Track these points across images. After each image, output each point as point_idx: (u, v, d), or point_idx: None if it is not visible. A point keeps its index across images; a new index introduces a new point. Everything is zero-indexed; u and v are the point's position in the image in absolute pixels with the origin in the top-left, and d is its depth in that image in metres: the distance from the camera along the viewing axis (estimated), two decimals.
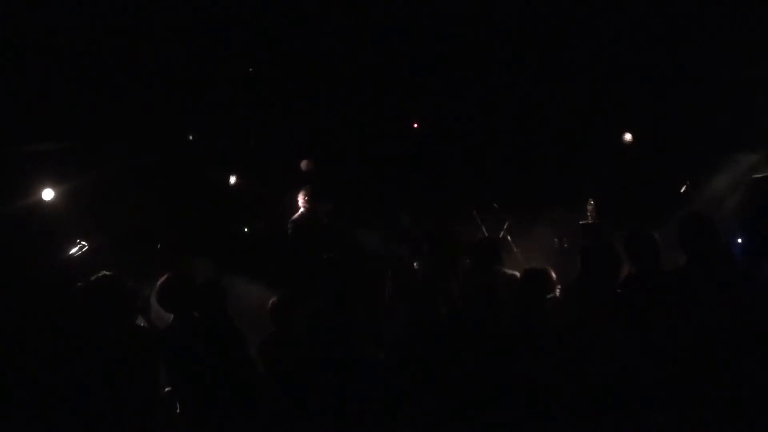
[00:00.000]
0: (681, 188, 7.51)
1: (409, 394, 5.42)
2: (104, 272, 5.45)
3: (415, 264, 8.81)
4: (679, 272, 5.34)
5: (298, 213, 8.93)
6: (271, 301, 5.89)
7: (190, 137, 9.58)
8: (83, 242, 7.33)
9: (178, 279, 5.58)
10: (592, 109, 9.63)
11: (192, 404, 5.35)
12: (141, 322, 5.70)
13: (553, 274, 6.11)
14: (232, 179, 9.72)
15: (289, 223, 8.88)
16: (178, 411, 5.50)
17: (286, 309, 5.83)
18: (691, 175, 7.93)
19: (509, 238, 8.55)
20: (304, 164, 9.94)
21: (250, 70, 9.42)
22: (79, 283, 5.72)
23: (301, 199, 8.91)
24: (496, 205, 8.95)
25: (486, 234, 8.53)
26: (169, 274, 5.63)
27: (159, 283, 5.54)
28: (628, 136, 9.79)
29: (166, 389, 5.87)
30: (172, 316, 5.72)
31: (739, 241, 6.82)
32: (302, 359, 5.55)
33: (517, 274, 6.09)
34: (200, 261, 7.99)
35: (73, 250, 7.26)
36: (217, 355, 5.36)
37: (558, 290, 5.96)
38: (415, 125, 10.53)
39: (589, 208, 8.96)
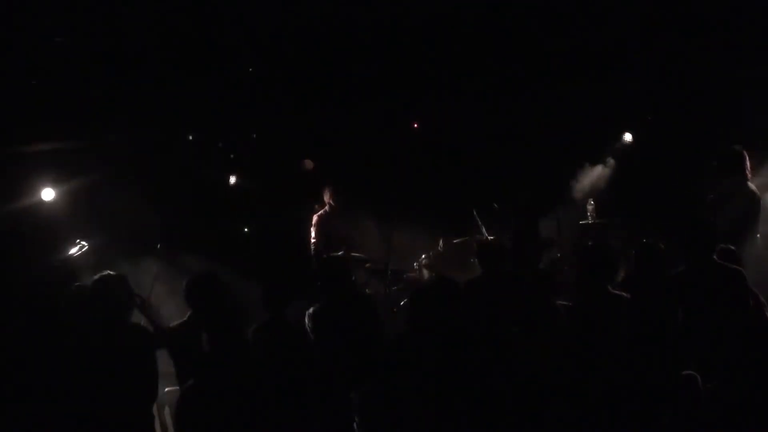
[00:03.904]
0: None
1: (409, 394, 5.43)
2: (105, 272, 5.46)
3: (415, 264, 8.86)
4: (679, 276, 5.36)
5: (323, 209, 8.98)
6: (263, 288, 5.86)
7: (190, 137, 9.57)
8: (83, 242, 7.32)
9: (211, 278, 5.57)
10: (593, 109, 9.62)
11: (201, 400, 5.31)
12: (141, 321, 5.71)
13: (556, 277, 6.13)
14: (232, 179, 9.72)
15: (315, 218, 8.96)
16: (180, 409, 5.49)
17: (279, 296, 5.81)
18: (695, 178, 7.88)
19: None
20: (304, 164, 9.96)
21: (251, 70, 9.41)
22: (79, 283, 5.74)
23: (326, 196, 8.95)
24: (496, 205, 8.94)
25: (486, 234, 8.52)
26: (200, 272, 5.63)
27: (190, 279, 5.52)
28: (628, 136, 9.78)
29: (167, 389, 5.87)
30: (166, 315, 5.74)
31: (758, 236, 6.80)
32: (298, 349, 5.56)
33: (527, 273, 6.07)
34: (200, 260, 8.00)
35: (73, 250, 7.25)
36: (225, 354, 5.35)
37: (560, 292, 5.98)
38: (415, 125, 10.52)
39: (589, 208, 8.97)
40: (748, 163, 6.87)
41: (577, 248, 5.66)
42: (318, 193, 9.12)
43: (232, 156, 10.01)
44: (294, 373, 5.49)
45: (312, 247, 8.92)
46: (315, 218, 8.97)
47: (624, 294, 5.16)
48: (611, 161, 9.55)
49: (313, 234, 8.95)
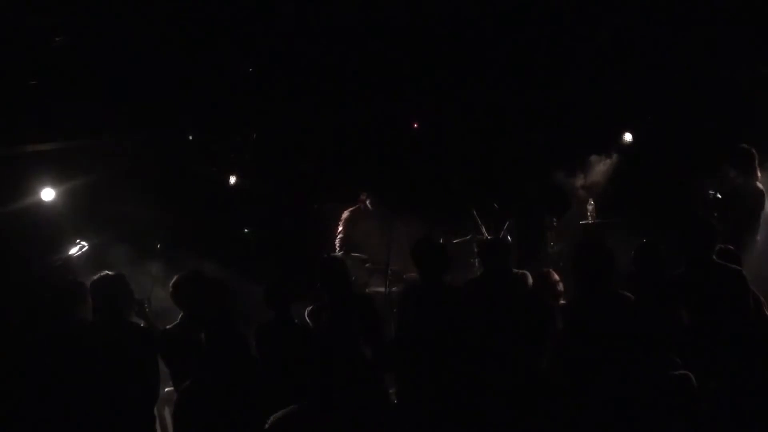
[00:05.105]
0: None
1: (410, 394, 5.43)
2: (103, 272, 5.46)
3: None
4: (679, 276, 5.36)
5: (354, 207, 9.12)
6: (266, 286, 5.87)
7: (190, 137, 9.57)
8: (83, 242, 7.33)
9: (196, 277, 5.57)
10: (593, 109, 9.62)
11: (199, 401, 5.31)
12: (141, 321, 5.71)
13: (556, 276, 6.12)
14: (232, 179, 9.72)
15: (345, 213, 9.13)
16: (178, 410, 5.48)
17: (282, 295, 5.80)
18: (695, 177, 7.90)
19: (509, 238, 8.54)
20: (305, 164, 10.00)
21: (250, 69, 9.40)
22: (79, 282, 5.74)
23: (365, 198, 9.12)
24: (496, 205, 8.94)
25: (486, 234, 8.53)
26: (186, 272, 5.62)
27: (175, 280, 5.53)
28: (628, 136, 9.78)
29: (167, 389, 5.87)
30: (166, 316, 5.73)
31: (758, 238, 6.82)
32: (302, 348, 5.54)
33: (527, 273, 6.07)
34: (201, 261, 7.99)
35: (73, 250, 7.26)
36: (221, 354, 5.35)
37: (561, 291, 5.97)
38: (415, 125, 10.52)
39: (589, 208, 8.96)
40: (757, 162, 6.93)
41: (575, 248, 5.64)
42: (319, 194, 9.19)
43: (232, 156, 10.01)
44: (297, 373, 5.48)
45: (338, 243, 9.01)
46: (346, 213, 9.07)
47: (624, 294, 5.16)
48: (615, 156, 9.55)
49: (340, 229, 9.05)
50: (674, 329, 5.03)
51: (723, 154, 7.17)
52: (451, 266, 5.89)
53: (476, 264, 8.05)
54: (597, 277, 5.10)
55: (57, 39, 7.70)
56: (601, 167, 9.35)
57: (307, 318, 5.86)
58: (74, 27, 7.71)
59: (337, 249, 8.94)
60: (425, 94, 9.90)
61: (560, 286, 6.04)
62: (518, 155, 9.86)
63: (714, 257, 5.37)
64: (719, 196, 7.11)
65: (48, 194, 7.88)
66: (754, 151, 6.95)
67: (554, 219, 8.63)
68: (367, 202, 9.13)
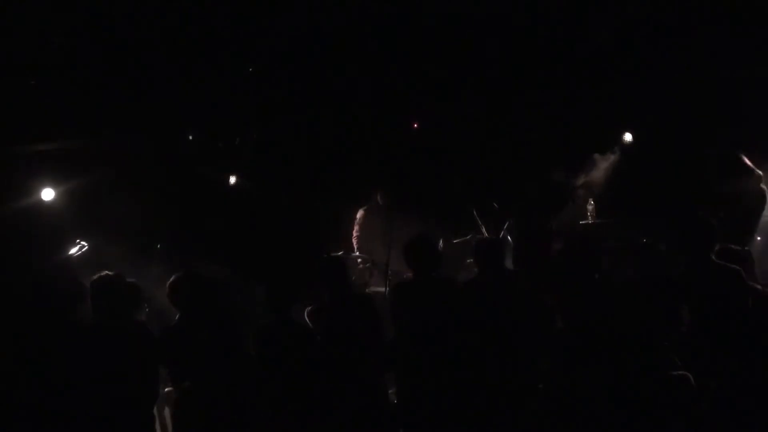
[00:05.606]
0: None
1: (410, 394, 5.43)
2: (103, 272, 5.46)
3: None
4: (679, 277, 5.37)
5: (367, 206, 9.20)
6: (267, 287, 5.86)
7: (190, 137, 9.57)
8: (83, 242, 7.33)
9: (192, 278, 5.58)
10: (593, 109, 9.62)
11: (199, 401, 5.31)
12: (144, 319, 5.72)
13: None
14: (232, 179, 9.72)
15: (359, 212, 9.22)
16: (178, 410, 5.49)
17: (283, 295, 5.81)
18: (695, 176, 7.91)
19: (509, 238, 8.54)
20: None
21: (251, 69, 9.41)
22: (79, 282, 5.74)
23: (380, 196, 9.18)
24: (496, 205, 8.94)
25: (486, 234, 8.53)
26: (182, 272, 5.63)
27: (171, 280, 5.54)
28: (628, 136, 9.78)
29: (167, 389, 5.88)
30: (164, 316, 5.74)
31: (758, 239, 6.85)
32: (302, 349, 5.55)
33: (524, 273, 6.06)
34: (201, 262, 7.99)
35: (73, 250, 7.26)
36: (220, 354, 5.36)
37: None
38: (415, 125, 10.52)
39: (589, 208, 8.96)
40: (748, 162, 6.96)
41: (567, 248, 5.64)
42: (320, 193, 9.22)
43: (232, 156, 10.02)
44: (297, 373, 5.49)
45: (355, 243, 9.07)
46: (360, 212, 9.15)
47: (624, 293, 5.16)
48: (617, 154, 9.55)
49: (356, 228, 9.09)
50: (674, 329, 5.04)
51: (722, 155, 7.20)
52: (442, 263, 5.90)
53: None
54: (595, 276, 5.11)
55: (57, 39, 7.70)
56: (603, 165, 9.35)
57: (307, 318, 5.86)
58: (74, 27, 7.71)
59: (355, 249, 8.99)
60: (425, 94, 9.92)
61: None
62: (518, 155, 9.85)
63: (713, 257, 5.37)
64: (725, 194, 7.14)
65: (48, 194, 7.88)
66: (738, 153, 7.00)
67: (551, 219, 8.62)
68: (379, 199, 9.17)
